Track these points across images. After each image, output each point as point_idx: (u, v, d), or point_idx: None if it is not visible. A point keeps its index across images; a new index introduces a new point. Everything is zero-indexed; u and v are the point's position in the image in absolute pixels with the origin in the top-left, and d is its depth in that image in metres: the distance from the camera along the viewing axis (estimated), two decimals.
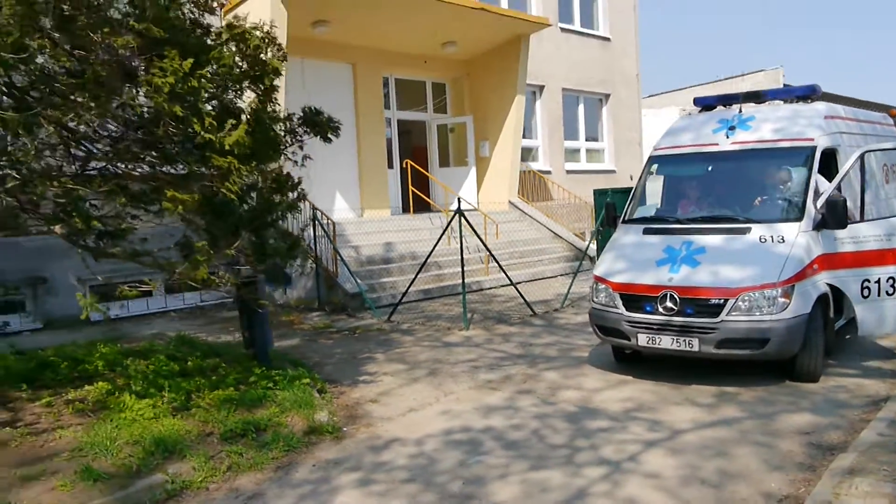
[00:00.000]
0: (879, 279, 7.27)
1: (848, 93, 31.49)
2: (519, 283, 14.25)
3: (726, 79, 30.19)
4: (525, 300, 11.49)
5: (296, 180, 6.36)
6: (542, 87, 19.71)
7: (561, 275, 15.74)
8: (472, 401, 6.97)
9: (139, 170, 5.94)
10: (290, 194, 6.27)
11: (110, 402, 6.13)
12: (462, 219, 10.79)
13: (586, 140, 21.56)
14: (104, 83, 4.82)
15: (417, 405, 6.89)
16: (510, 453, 5.57)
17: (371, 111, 16.19)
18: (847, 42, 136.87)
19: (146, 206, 5.90)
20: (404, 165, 16.65)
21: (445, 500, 4.79)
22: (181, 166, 5.67)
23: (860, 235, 7.31)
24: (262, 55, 5.53)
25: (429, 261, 14.04)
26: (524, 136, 18.39)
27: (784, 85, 28.24)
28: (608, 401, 6.81)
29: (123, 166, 5.89)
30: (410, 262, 13.96)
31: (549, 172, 19.80)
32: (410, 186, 16.41)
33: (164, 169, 5.82)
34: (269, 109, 5.88)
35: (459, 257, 12.77)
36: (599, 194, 12.73)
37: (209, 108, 5.35)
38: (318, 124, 6.26)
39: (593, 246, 15.26)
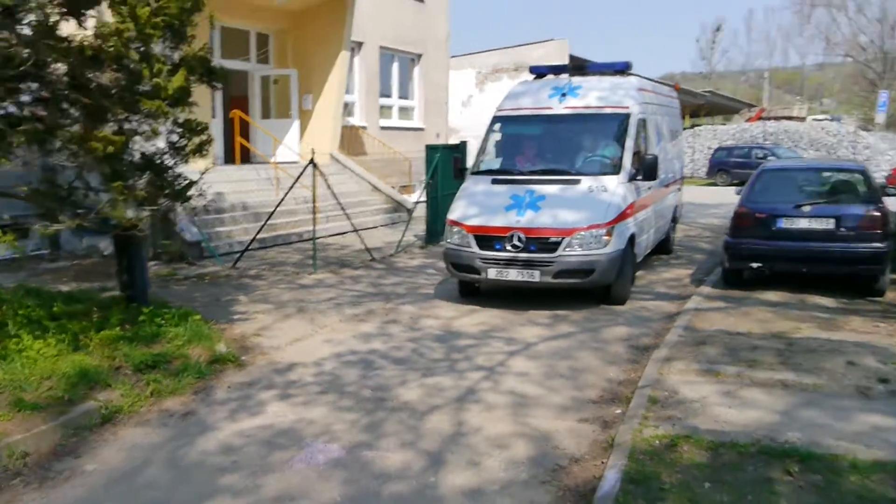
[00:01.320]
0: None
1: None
2: (345, 233, 15.10)
3: (520, 45, 32.45)
4: (366, 246, 12.36)
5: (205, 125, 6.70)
6: (360, 44, 20.26)
7: (383, 225, 16.75)
8: (348, 331, 7.80)
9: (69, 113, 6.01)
10: (198, 138, 6.61)
11: (9, 344, 6.17)
12: (315, 169, 11.30)
13: (399, 98, 22.52)
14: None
15: (300, 336, 7.59)
16: (400, 367, 6.52)
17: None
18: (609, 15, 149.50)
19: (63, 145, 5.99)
20: (231, 116, 16.58)
21: (362, 402, 5.65)
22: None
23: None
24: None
25: (260, 211, 14.44)
26: None
27: (570, 55, 31.07)
28: (465, 325, 7.96)
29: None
30: (242, 213, 14.21)
31: (364, 127, 20.56)
32: (238, 137, 16.42)
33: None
34: (196, 56, 6.20)
35: (289, 207, 13.34)
36: (431, 149, 13.78)
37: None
38: (214, 73, 6.65)
39: (414, 198, 16.38)
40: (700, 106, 64.27)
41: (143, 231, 7.04)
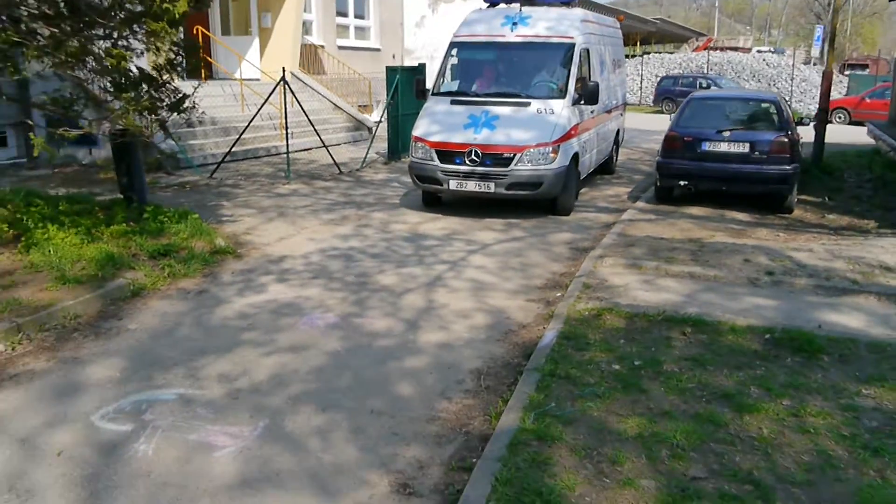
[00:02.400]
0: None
1: None
2: (310, 149, 15.95)
3: None
4: (334, 160, 13.30)
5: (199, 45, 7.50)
6: None
7: (345, 143, 17.60)
8: (327, 232, 8.87)
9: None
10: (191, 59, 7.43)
11: (36, 234, 7.06)
12: (285, 86, 12.07)
13: (355, 18, 22.94)
14: None
15: (285, 235, 8.64)
16: (377, 261, 7.65)
17: None
18: None
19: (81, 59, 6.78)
20: (194, 32, 16.95)
21: (348, 285, 6.79)
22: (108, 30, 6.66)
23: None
24: None
25: (228, 126, 15.15)
26: None
27: None
28: (430, 229, 9.10)
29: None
30: (212, 127, 14.90)
31: (322, 46, 21.05)
32: (202, 53, 16.84)
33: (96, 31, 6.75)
34: None
35: (255, 123, 14.09)
36: (391, 71, 14.57)
37: None
38: None
39: (374, 117, 17.18)
40: (651, 33, 65.13)
41: (150, 137, 7.87)
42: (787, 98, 31.52)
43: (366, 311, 6.13)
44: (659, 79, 33.42)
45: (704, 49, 51.10)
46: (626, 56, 57.43)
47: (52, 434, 4.07)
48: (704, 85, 29.11)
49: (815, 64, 42.46)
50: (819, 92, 13.63)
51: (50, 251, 6.72)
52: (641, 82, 37.09)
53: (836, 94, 31.35)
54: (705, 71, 35.00)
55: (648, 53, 50.25)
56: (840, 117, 26.37)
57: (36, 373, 4.83)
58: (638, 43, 68.59)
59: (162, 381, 4.75)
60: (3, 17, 6.84)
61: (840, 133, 21.64)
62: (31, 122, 8.57)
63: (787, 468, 3.60)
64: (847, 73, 38.27)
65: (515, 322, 5.95)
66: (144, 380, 4.75)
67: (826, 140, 13.84)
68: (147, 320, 5.82)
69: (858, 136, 19.45)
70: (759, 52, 46.10)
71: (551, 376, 4.61)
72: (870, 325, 5.57)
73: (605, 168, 13.46)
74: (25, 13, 7.03)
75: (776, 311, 5.85)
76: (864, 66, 41.94)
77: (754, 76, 34.72)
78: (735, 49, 50.77)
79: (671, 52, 50.22)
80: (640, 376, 4.63)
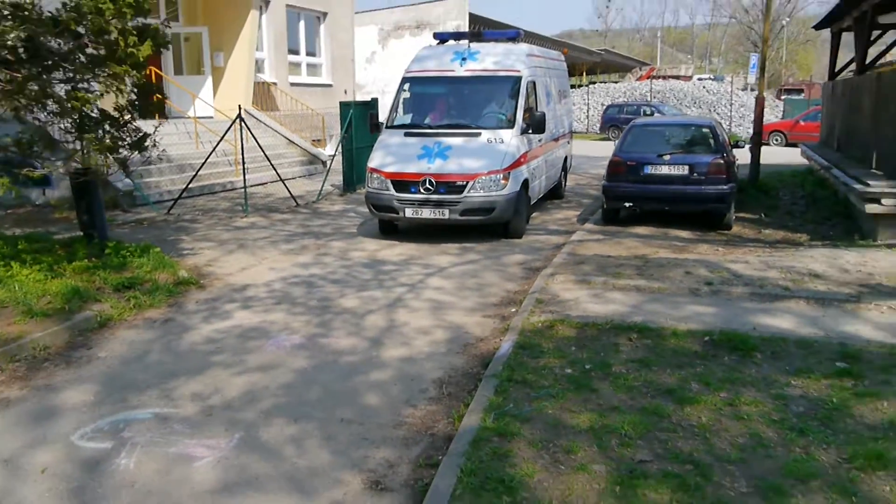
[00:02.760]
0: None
1: (515, 22, 36.77)
2: (265, 183, 16.19)
3: (421, 3, 33.49)
4: (290, 193, 13.54)
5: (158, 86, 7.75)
6: (267, 3, 20.94)
7: (300, 176, 17.86)
8: (287, 261, 9.11)
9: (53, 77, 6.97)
10: (159, 97, 7.67)
11: None
12: (241, 123, 12.33)
13: (307, 55, 23.35)
14: None
15: (246, 266, 8.85)
16: (338, 286, 7.92)
17: None
18: None
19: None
20: (148, 71, 17.12)
21: (311, 309, 7.04)
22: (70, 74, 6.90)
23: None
24: None
25: (183, 163, 15.31)
26: None
27: (469, 13, 32.45)
28: (388, 255, 9.41)
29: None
30: (167, 165, 15.02)
31: (275, 83, 21.37)
32: (155, 93, 16.99)
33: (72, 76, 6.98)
34: (156, 28, 7.27)
35: (209, 160, 14.30)
36: (344, 106, 14.93)
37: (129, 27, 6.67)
38: (166, 40, 7.73)
39: (329, 151, 17.51)
40: (596, 63, 67.04)
41: (111, 174, 8.05)
42: (726, 122, 32.87)
43: (330, 331, 6.39)
44: (605, 107, 34.44)
45: (648, 78, 52.87)
46: (573, 86, 59.03)
47: (34, 454, 4.23)
48: (648, 112, 30.14)
49: (752, 90, 44.32)
50: (755, 115, 14.39)
51: (15, 287, 6.83)
52: (588, 111, 38.18)
53: (773, 118, 32.82)
54: (649, 99, 36.24)
55: (594, 83, 51.72)
56: (777, 140, 27.57)
57: (11, 400, 4.97)
58: (584, 73, 70.54)
59: (136, 402, 4.94)
60: None
61: (777, 154, 22.69)
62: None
63: (723, 449, 3.97)
64: (784, 97, 39.99)
65: (473, 336, 6.27)
66: (119, 402, 4.94)
67: (763, 161, 14.61)
68: (116, 348, 5.98)
69: (794, 157, 20.39)
70: (699, 79, 47.80)
71: (509, 381, 4.93)
72: (799, 326, 6.03)
73: (555, 193, 13.97)
74: None
75: (715, 317, 6.29)
76: (800, 91, 43.83)
77: (695, 103, 36.04)
78: (677, 77, 52.61)
79: (616, 82, 51.75)
80: (590, 378, 4.98)
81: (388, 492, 3.82)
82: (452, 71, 10.73)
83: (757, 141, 14.10)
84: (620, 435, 4.14)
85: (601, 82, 54.81)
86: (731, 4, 70.01)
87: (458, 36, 11.49)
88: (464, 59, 10.77)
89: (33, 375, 5.40)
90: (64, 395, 5.06)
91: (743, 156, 13.90)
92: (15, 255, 7.88)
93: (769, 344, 5.54)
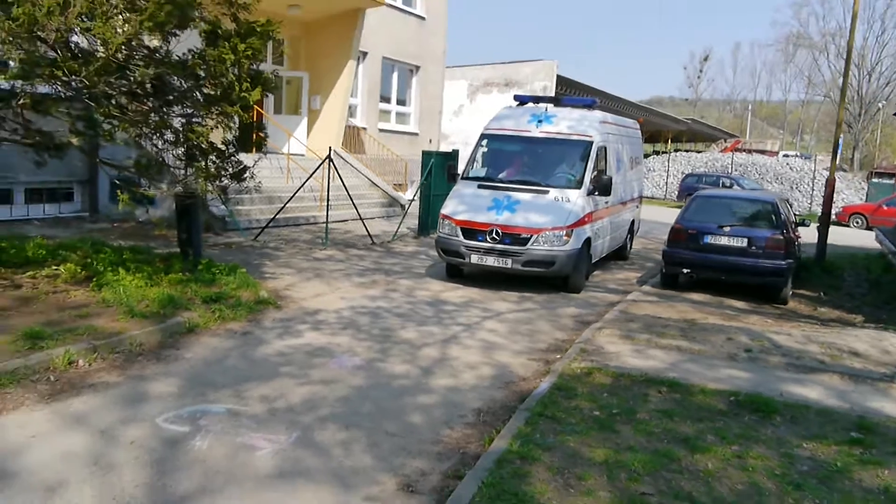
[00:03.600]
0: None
1: (604, 86, 37.52)
2: (346, 220, 17.16)
3: (511, 62, 34.65)
4: (368, 232, 14.43)
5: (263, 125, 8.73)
6: (365, 54, 22.32)
7: (379, 217, 18.81)
8: (358, 293, 9.87)
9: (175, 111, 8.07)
10: (259, 134, 8.64)
11: (107, 276, 8.17)
12: (330, 163, 13.33)
13: (397, 104, 24.60)
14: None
15: (320, 293, 9.65)
16: (400, 319, 8.60)
17: None
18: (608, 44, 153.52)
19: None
20: (252, 109, 18.53)
21: (373, 337, 7.72)
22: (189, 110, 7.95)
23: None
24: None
25: (273, 195, 16.44)
26: None
27: (557, 74, 33.36)
28: (451, 297, 10.06)
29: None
30: (258, 195, 16.13)
31: (364, 129, 22.61)
32: (256, 130, 18.40)
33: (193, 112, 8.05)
34: (267, 76, 8.29)
35: (298, 194, 15.36)
36: (426, 155, 15.86)
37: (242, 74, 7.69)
38: (273, 85, 8.73)
39: (408, 195, 18.44)
40: (682, 132, 67.01)
41: (211, 199, 9.01)
42: (807, 201, 32.49)
43: (388, 357, 7.05)
44: (683, 176, 34.56)
45: (732, 150, 52.54)
46: (657, 152, 58.99)
47: (125, 429, 5.00)
48: (727, 184, 30.17)
49: (842, 169, 43.50)
50: (824, 196, 14.52)
51: (120, 290, 7.79)
52: (668, 178, 38.32)
53: (857, 200, 32.31)
54: (730, 171, 36.17)
55: (679, 151, 51.79)
56: (858, 222, 27.16)
57: (109, 384, 5.80)
58: (669, 140, 70.53)
59: (213, 397, 5.69)
60: (100, 96, 8.12)
61: (855, 237, 22.43)
62: (116, 181, 9.69)
63: (721, 493, 4.40)
64: (875, 180, 39.17)
65: (517, 375, 6.82)
66: (198, 396, 5.70)
67: (840, 242, 14.76)
68: (200, 351, 6.79)
69: (871, 240, 20.21)
70: (785, 155, 47.32)
71: (540, 416, 5.46)
72: (826, 397, 6.34)
73: (620, 254, 14.42)
74: (118, 91, 8.32)
75: (746, 382, 6.65)
76: (892, 175, 42.79)
77: (777, 178, 35.77)
78: (762, 152, 52.16)
79: (699, 151, 51.70)
80: (615, 421, 5.46)
81: (418, 494, 4.40)
82: (528, 131, 11.45)
83: (825, 221, 14.23)
84: (630, 470, 4.61)
85: (686, 150, 54.82)
86: (826, 84, 68.95)
87: (537, 99, 12.24)
88: (540, 121, 11.49)
89: (129, 366, 6.23)
90: (153, 385, 5.86)
91: (811, 235, 14.07)
92: (121, 263, 8.90)
93: (790, 409, 5.89)
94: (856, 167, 66.38)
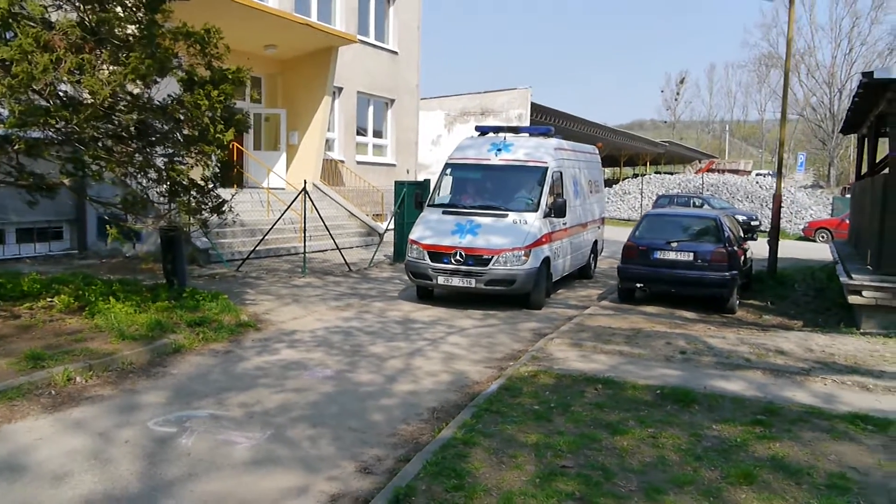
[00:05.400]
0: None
1: (583, 112, 38.68)
2: (325, 250, 17.94)
3: (487, 92, 35.78)
4: (345, 260, 15.23)
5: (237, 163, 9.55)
6: (340, 89, 23.27)
7: (357, 246, 19.62)
8: (332, 315, 10.63)
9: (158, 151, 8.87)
10: (239, 170, 9.44)
11: (99, 305, 8.91)
12: (306, 196, 14.15)
13: (374, 136, 25.53)
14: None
15: (297, 316, 10.41)
16: (371, 337, 9.36)
17: None
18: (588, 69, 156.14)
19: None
20: (231, 147, 19.37)
21: (344, 352, 8.48)
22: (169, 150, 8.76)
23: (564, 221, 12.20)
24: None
25: (254, 228, 17.21)
26: None
27: (532, 102, 34.48)
28: (419, 316, 10.84)
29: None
30: (240, 228, 16.95)
31: (342, 161, 23.48)
32: (236, 166, 19.25)
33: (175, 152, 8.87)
34: (240, 118, 9.13)
35: (277, 226, 16.15)
36: (399, 185, 16.71)
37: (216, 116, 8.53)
38: (246, 125, 9.58)
39: (386, 225, 19.27)
40: (660, 154, 68.46)
41: (194, 232, 9.78)
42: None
43: (356, 369, 7.81)
44: (656, 197, 35.60)
45: (707, 170, 53.90)
46: (635, 175, 60.11)
47: (120, 431, 5.73)
48: (698, 204, 31.14)
49: (818, 186, 44.83)
50: (772, 211, 15.42)
51: (111, 317, 8.53)
52: (642, 200, 39.39)
53: (825, 215, 33.45)
54: (702, 191, 37.27)
55: (660, 173, 53.06)
56: (823, 237, 28.19)
57: (104, 397, 6.53)
58: (647, 163, 71.92)
59: (197, 405, 6.42)
60: (88, 139, 8.91)
61: (818, 250, 23.39)
62: (105, 217, 10.39)
63: (631, 463, 5.17)
64: (848, 195, 40.37)
65: (471, 380, 7.59)
66: (184, 404, 6.43)
67: (802, 256, 15.70)
68: (185, 368, 7.53)
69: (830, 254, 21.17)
70: (758, 174, 48.61)
71: (486, 411, 6.23)
72: (746, 389, 7.14)
73: (584, 273, 15.27)
74: (104, 135, 9.13)
75: (676, 378, 7.45)
76: None
77: (748, 197, 36.88)
78: (735, 172, 53.48)
79: (671, 173, 53.01)
80: (551, 412, 6.24)
81: (373, 475, 5.15)
82: (488, 160, 12.33)
83: (774, 235, 15.14)
84: (556, 450, 5.37)
85: (667, 173, 56.11)
86: (799, 102, 70.69)
87: (497, 129, 13.15)
88: (499, 149, 12.38)
89: (121, 382, 6.96)
90: (143, 396, 6.59)
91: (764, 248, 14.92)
92: (111, 293, 9.63)
93: (708, 399, 6.69)
94: (832, 183, 67.92)
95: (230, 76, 8.63)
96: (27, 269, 12.71)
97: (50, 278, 10.79)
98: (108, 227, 8.75)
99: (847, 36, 68.16)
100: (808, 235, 30.08)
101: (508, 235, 11.24)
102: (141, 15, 8.71)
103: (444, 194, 12.54)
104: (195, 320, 9.01)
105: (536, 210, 11.66)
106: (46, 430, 5.68)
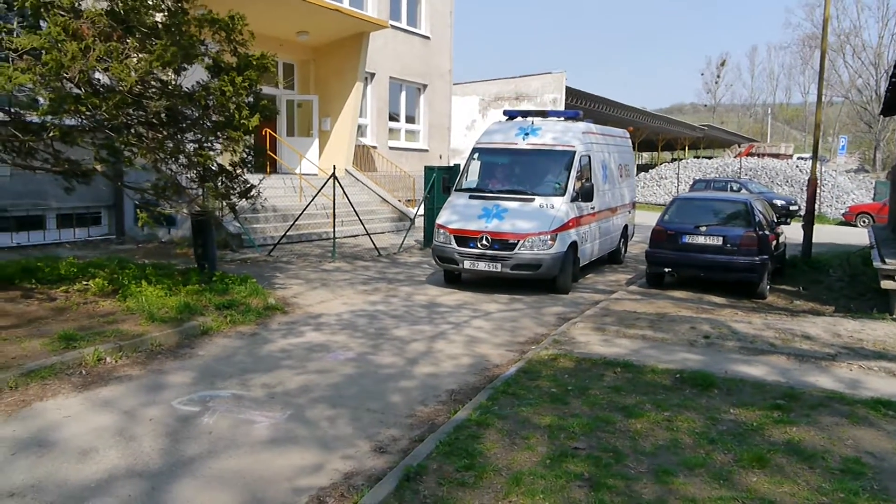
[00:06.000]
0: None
1: (622, 96, 38.26)
2: (356, 235, 18.10)
3: (521, 76, 35.57)
4: (374, 244, 15.36)
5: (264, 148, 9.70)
6: (372, 75, 23.37)
7: (389, 231, 19.75)
8: (359, 298, 10.76)
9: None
10: (259, 159, 9.61)
11: (131, 288, 9.15)
12: (335, 181, 14.29)
13: (406, 122, 25.61)
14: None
15: (325, 300, 10.56)
16: (395, 320, 9.47)
17: None
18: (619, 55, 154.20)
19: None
20: (264, 133, 19.62)
21: (368, 335, 8.60)
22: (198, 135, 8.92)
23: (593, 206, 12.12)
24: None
25: (286, 213, 17.43)
26: None
27: (567, 86, 34.19)
28: (445, 300, 10.91)
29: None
30: (273, 213, 17.20)
31: (375, 147, 23.61)
32: (268, 151, 19.45)
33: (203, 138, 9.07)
34: (266, 104, 9.27)
35: (309, 211, 16.33)
36: (428, 170, 16.76)
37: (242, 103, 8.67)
38: (272, 111, 9.71)
39: (415, 210, 19.37)
40: (699, 138, 67.36)
41: (223, 217, 9.97)
42: (818, 202, 32.85)
43: (378, 351, 7.92)
44: (693, 182, 35.13)
45: (747, 154, 52.92)
46: (673, 160, 59.27)
47: (146, 409, 5.91)
48: (736, 188, 30.67)
49: (863, 170, 43.68)
50: (806, 196, 15.13)
51: (142, 299, 8.76)
52: (678, 185, 38.88)
53: (867, 200, 32.70)
54: (739, 176, 36.66)
55: (698, 157, 52.26)
56: (864, 221, 27.57)
57: (132, 377, 6.73)
58: (686, 147, 70.84)
59: (221, 385, 6.59)
60: (120, 126, 9.13)
61: (857, 235, 22.90)
62: (137, 203, 10.66)
63: (643, 446, 5.18)
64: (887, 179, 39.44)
65: (492, 363, 7.65)
66: (209, 384, 6.60)
67: (842, 241, 15.37)
68: (212, 350, 7.72)
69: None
70: (800, 158, 47.58)
71: (503, 393, 6.28)
72: (767, 374, 7.08)
73: (614, 258, 15.19)
74: (136, 122, 9.34)
75: (698, 363, 7.41)
76: None
77: (787, 181, 36.20)
78: (776, 156, 52.42)
79: (710, 157, 52.15)
80: (568, 395, 6.27)
81: (387, 454, 5.24)
82: (515, 144, 12.31)
83: (809, 220, 14.87)
84: (569, 431, 5.41)
85: (706, 157, 55.22)
86: (844, 84, 68.92)
87: (525, 114, 13.10)
88: (527, 133, 12.35)
89: (149, 362, 7.16)
90: (170, 376, 6.78)
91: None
92: (144, 277, 9.87)
93: (728, 383, 6.65)
94: (878, 167, 66.21)
95: (255, 62, 8.74)
96: (66, 253, 13.06)
97: (86, 262, 11.08)
98: (138, 210, 8.95)
99: (895, 15, 66.14)
100: (848, 220, 29.46)
101: (534, 220, 11.23)
102: (169, 2, 8.88)
103: (472, 179, 12.56)
104: (223, 303, 9.20)
105: (563, 194, 11.62)
106: (75, 407, 5.88)
